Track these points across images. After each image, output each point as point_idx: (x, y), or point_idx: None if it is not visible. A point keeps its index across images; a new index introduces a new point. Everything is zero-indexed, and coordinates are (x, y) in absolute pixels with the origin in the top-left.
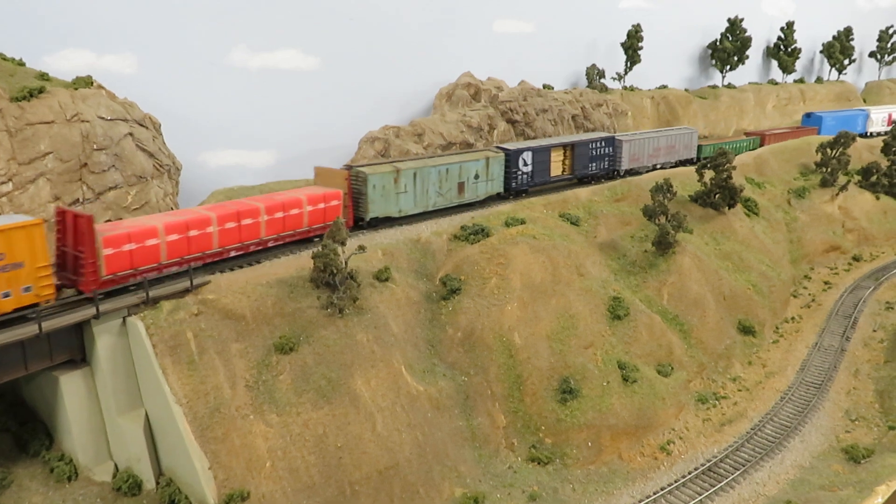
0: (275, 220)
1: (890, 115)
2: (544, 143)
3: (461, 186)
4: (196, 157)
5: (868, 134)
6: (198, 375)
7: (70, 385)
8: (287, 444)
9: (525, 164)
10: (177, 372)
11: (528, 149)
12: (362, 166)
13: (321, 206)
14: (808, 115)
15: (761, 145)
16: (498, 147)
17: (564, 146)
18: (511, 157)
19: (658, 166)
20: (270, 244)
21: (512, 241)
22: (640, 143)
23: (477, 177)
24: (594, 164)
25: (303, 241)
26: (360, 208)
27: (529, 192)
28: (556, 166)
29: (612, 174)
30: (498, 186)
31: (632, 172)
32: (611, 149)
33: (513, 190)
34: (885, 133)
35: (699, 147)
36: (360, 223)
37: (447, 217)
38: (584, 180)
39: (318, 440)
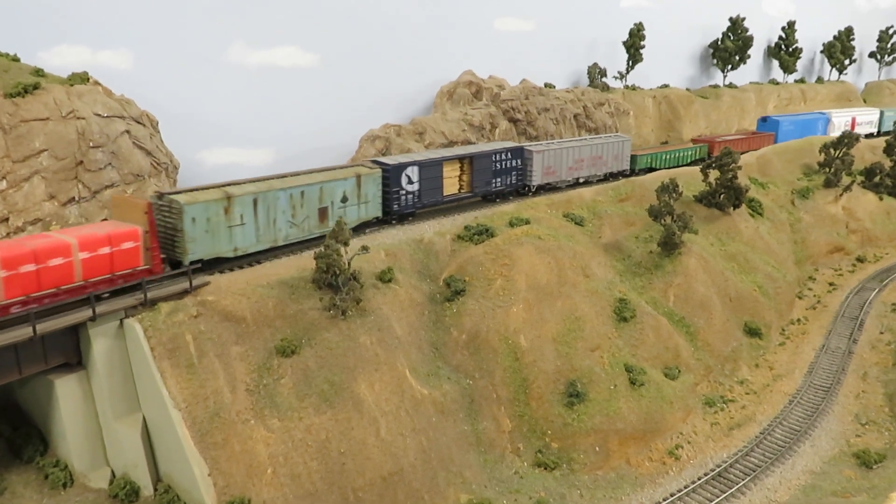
0: (21, 277)
1: (854, 119)
2: (435, 155)
3: (323, 213)
4: (194, 156)
5: None
6: (197, 379)
7: (65, 389)
8: (289, 450)
9: (410, 182)
10: (175, 375)
11: (413, 163)
12: (176, 193)
13: (105, 250)
14: (763, 120)
15: (709, 154)
16: (374, 161)
17: (461, 159)
18: (391, 174)
19: (581, 180)
20: (15, 310)
21: (517, 241)
22: (556, 154)
23: (345, 200)
24: (499, 180)
25: (80, 302)
26: (175, 249)
27: (416, 214)
28: (451, 183)
29: (522, 190)
30: (374, 210)
31: (547, 188)
32: (519, 161)
33: (395, 213)
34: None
35: (633, 157)
36: (176, 267)
37: (450, 217)
38: (488, 198)
39: (320, 446)
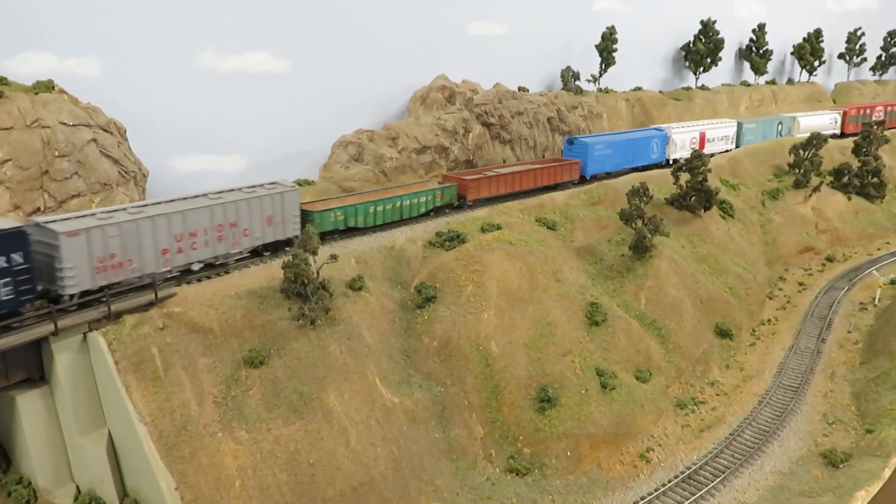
0: None
1: (703, 135)
2: None
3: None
4: (164, 163)
5: (668, 161)
6: (163, 392)
7: (28, 405)
8: (257, 462)
9: None
10: (141, 389)
11: None
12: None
13: None
14: (569, 142)
15: (461, 197)
16: None
17: None
18: None
19: (195, 268)
20: None
21: (488, 247)
22: (121, 231)
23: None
24: None
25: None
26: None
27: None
28: None
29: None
30: None
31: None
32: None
33: None
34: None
35: (305, 214)
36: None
37: (422, 223)
38: None
39: (289, 457)
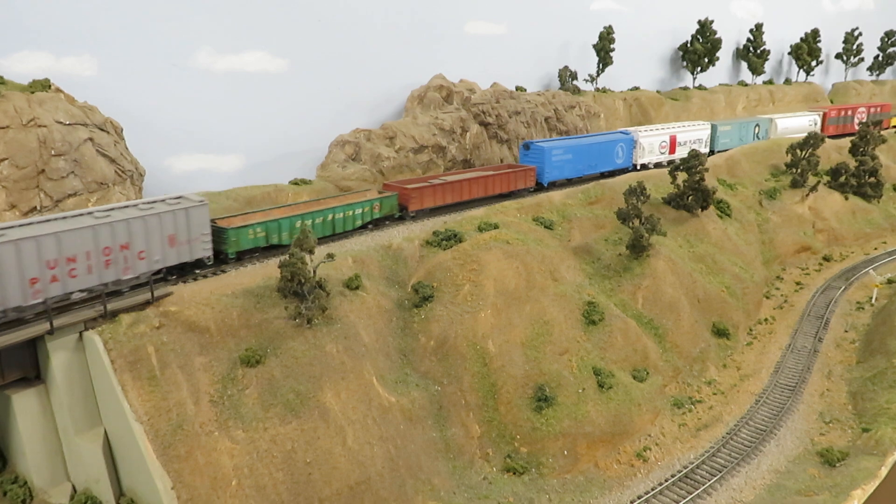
0: None
1: (673, 138)
2: None
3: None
4: (160, 162)
5: (636, 167)
6: (159, 391)
7: (23, 404)
8: (254, 461)
9: None
10: (137, 388)
11: None
12: None
13: None
14: (525, 147)
15: (403, 207)
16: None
17: None
18: None
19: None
20: None
21: (485, 246)
22: None
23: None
24: None
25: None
26: None
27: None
28: None
29: None
30: None
31: None
32: None
33: None
34: (666, 164)
35: (218, 232)
36: None
37: (419, 223)
38: None
39: (286, 456)
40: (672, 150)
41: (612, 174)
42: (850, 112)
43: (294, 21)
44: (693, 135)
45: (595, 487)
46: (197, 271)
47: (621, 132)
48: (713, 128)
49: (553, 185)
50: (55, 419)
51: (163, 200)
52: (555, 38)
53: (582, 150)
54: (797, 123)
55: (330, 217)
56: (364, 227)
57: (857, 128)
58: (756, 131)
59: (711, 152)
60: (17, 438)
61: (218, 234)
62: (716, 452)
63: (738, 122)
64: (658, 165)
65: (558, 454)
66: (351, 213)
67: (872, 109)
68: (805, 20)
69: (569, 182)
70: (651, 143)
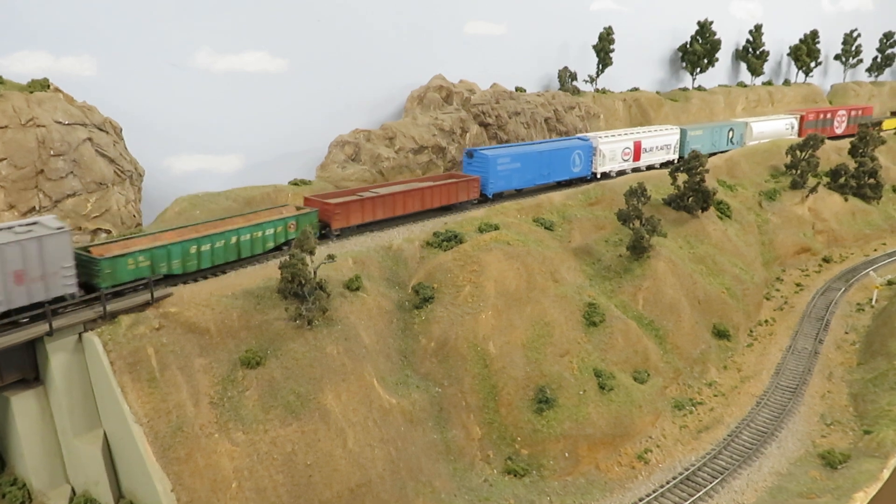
0: None
1: (638, 144)
2: None
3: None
4: (160, 163)
5: (595, 175)
6: (159, 393)
7: (22, 406)
8: (254, 464)
9: None
10: (136, 390)
11: None
12: None
13: None
14: (469, 155)
15: (325, 225)
16: None
17: None
18: None
19: None
20: None
21: (486, 247)
22: None
23: None
24: None
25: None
26: None
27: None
28: None
29: None
30: None
31: None
32: None
33: None
34: (631, 172)
35: (88, 263)
36: None
37: (419, 223)
38: None
39: (286, 458)
40: (637, 157)
41: (569, 184)
42: (829, 115)
43: (294, 21)
44: (660, 140)
45: (596, 489)
46: (59, 311)
47: (579, 138)
48: (682, 133)
49: (499, 197)
50: (54, 421)
51: (10, 228)
52: (554, 38)
53: (532, 157)
54: (773, 127)
55: (234, 240)
56: (278, 248)
57: (836, 132)
58: (730, 136)
59: (681, 159)
60: (16, 440)
61: (87, 266)
62: (717, 454)
63: (710, 126)
64: (622, 173)
65: (559, 456)
66: (260, 234)
67: (853, 112)
68: (804, 21)
69: (518, 193)
70: (613, 150)
